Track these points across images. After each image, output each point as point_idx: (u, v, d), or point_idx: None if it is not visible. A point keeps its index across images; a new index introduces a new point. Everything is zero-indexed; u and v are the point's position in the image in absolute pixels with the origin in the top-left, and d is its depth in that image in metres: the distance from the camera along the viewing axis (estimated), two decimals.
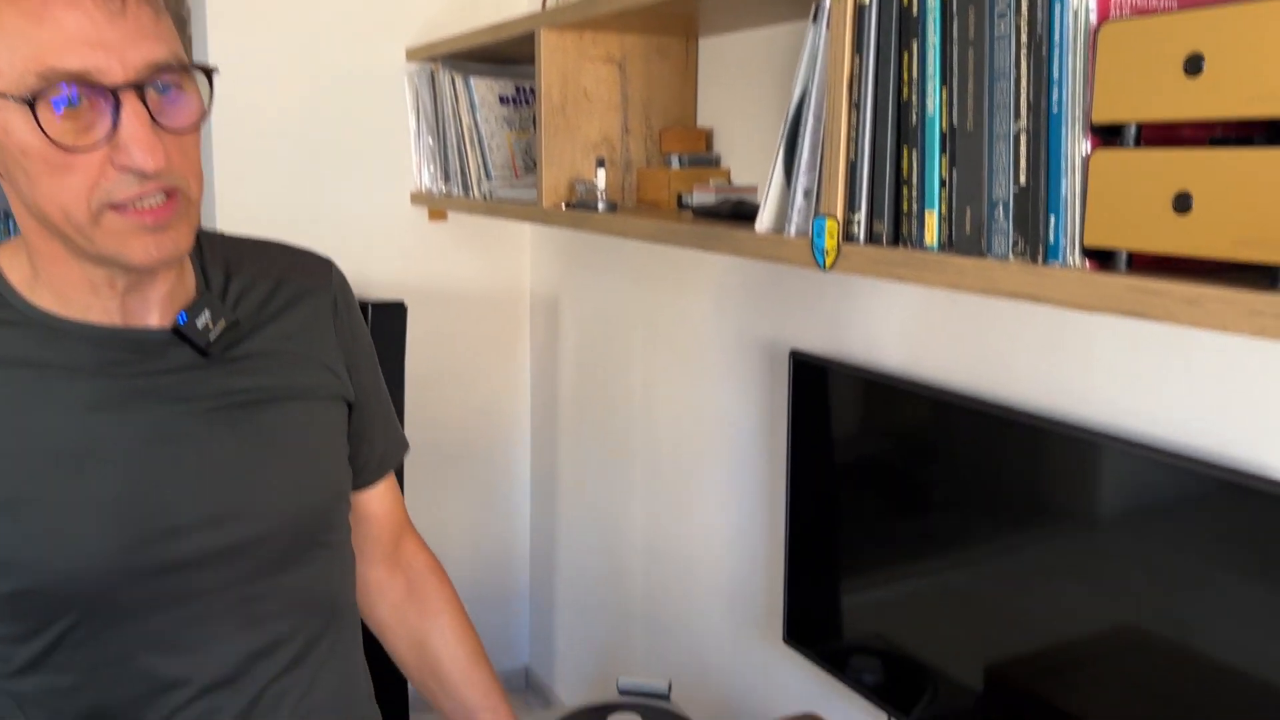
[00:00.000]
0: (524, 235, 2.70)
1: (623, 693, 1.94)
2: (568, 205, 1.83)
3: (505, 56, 2.20)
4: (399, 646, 1.01)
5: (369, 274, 2.55)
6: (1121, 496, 1.15)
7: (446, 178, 2.33)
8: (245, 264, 0.84)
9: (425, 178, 2.45)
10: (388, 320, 2.03)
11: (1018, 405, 1.35)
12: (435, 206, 2.37)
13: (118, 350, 0.76)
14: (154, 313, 0.78)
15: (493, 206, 2.04)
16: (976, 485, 1.34)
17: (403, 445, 1.00)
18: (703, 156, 1.90)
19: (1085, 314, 1.23)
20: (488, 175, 2.16)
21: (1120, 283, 0.86)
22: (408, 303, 2.14)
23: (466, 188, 2.22)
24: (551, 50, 1.82)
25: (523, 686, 2.91)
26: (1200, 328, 0.80)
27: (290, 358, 0.83)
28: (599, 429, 2.45)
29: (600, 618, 2.51)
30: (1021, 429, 1.26)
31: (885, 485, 1.50)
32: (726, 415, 1.96)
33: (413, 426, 2.61)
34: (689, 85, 1.96)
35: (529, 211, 1.89)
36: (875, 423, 1.51)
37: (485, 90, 2.21)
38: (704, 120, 1.97)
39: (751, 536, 1.91)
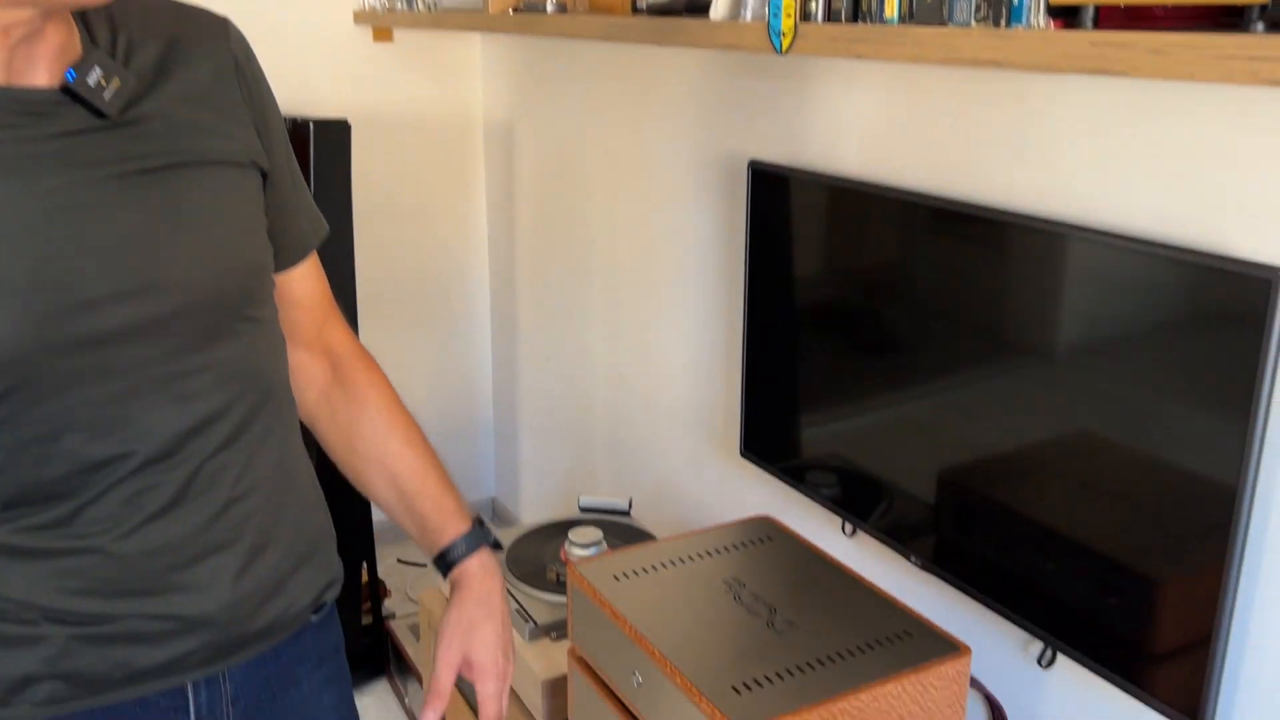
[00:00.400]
0: (474, 57, 2.58)
1: (584, 510, 1.97)
2: (515, 10, 1.74)
3: None
4: (331, 436, 0.98)
5: (311, 99, 2.44)
6: (1085, 291, 1.13)
7: None
8: (132, 20, 0.77)
9: None
10: (331, 139, 1.95)
11: (982, 203, 1.32)
12: (379, 24, 2.26)
13: (4, 113, 0.70)
14: (41, 71, 0.72)
15: (438, 17, 1.94)
16: (941, 290, 1.32)
17: (321, 226, 0.94)
18: None
19: (1049, 77, 1.19)
20: None
21: (1085, 39, 0.82)
22: (355, 131, 2.05)
23: (410, 2, 2.10)
24: None
25: (490, 518, 2.96)
26: (1166, 78, 0.77)
27: (195, 121, 0.77)
28: (558, 256, 2.41)
29: (564, 445, 2.52)
30: (986, 226, 1.23)
31: (846, 297, 1.48)
32: (686, 233, 1.92)
33: (365, 261, 2.55)
34: None
35: (475, 19, 1.79)
36: (835, 231, 1.48)
37: None
38: None
39: (710, 353, 1.90)
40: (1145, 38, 0.77)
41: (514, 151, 2.51)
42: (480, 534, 0.98)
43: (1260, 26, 0.72)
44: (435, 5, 2.00)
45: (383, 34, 2.44)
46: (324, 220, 0.95)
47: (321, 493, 0.94)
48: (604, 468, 2.35)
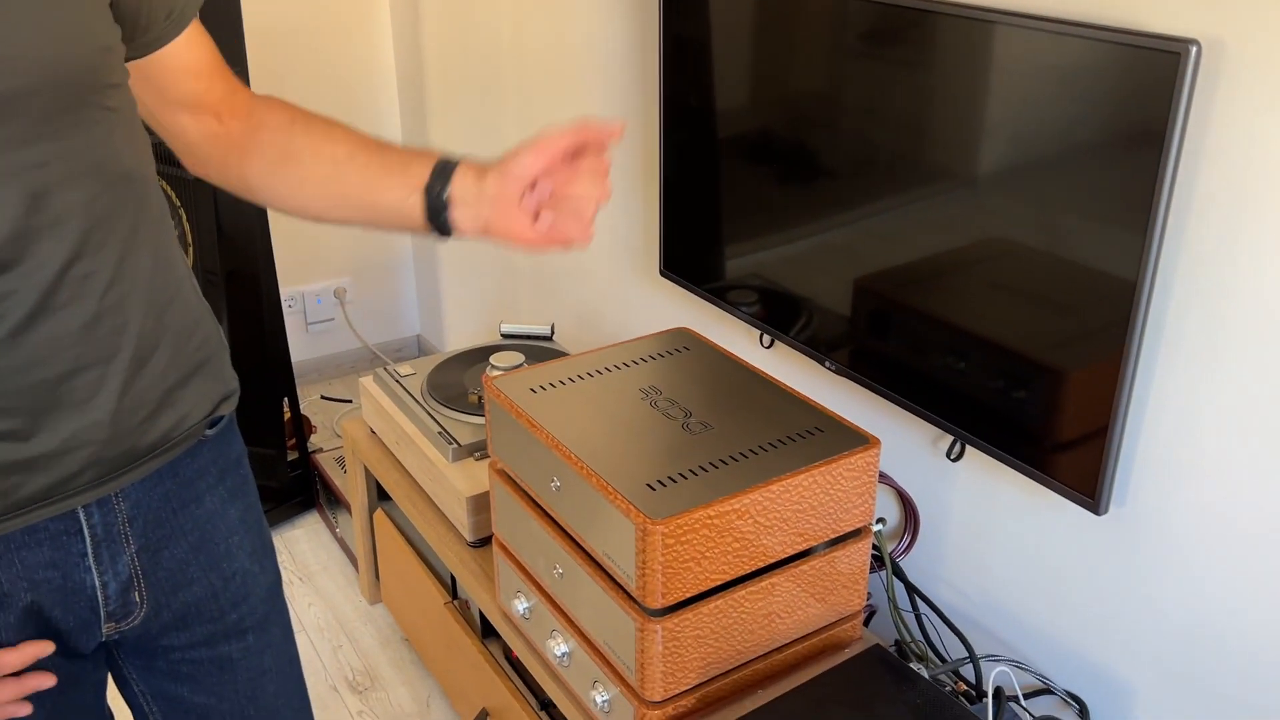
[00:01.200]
0: None
1: (506, 338, 1.95)
2: None
3: None
4: (257, 165, 0.89)
5: None
6: (1002, 87, 1.11)
7: None
8: None
9: None
10: None
11: None
12: None
13: None
14: None
15: None
16: (860, 105, 1.28)
17: None
18: None
19: None
20: None
21: None
22: None
23: None
24: None
25: (415, 354, 2.93)
26: None
27: None
28: (469, 76, 2.30)
29: (486, 275, 2.48)
30: (905, 19, 1.19)
31: (764, 113, 1.44)
32: (599, 44, 1.84)
33: (271, 85, 2.42)
34: None
35: None
36: (752, 42, 1.42)
37: None
38: None
39: (629, 172, 1.85)
40: None
41: (420, 13, 2.37)
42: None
43: None
44: None
45: None
46: None
47: (207, 304, 0.90)
48: (527, 295, 2.32)
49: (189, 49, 0.86)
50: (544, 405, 1.24)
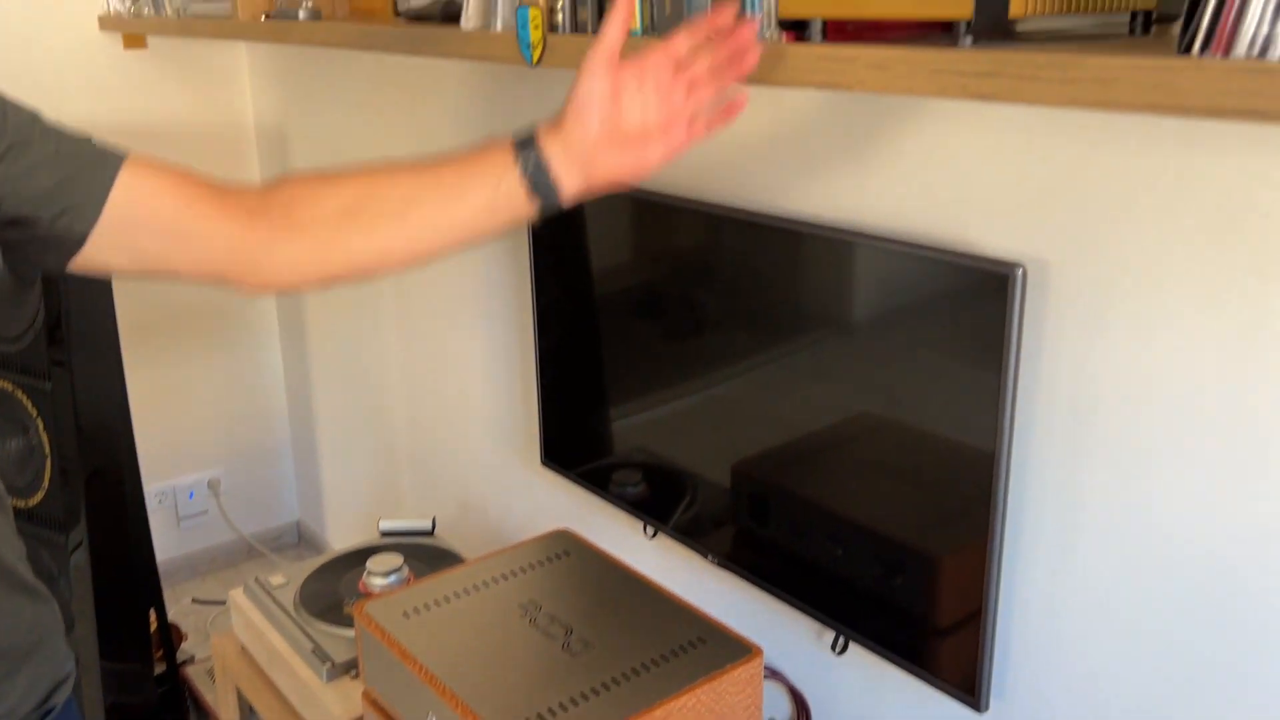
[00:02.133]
0: (240, 61, 2.44)
1: (385, 535, 1.90)
2: (267, 16, 1.64)
3: None
4: (345, 240, 0.80)
5: (58, 113, 2.25)
6: (858, 286, 1.16)
7: None
8: None
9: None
10: None
11: (747, 205, 1.33)
12: (125, 30, 2.09)
13: None
14: None
15: (185, 24, 1.81)
16: (723, 293, 1.32)
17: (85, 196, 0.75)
18: None
19: (781, 89, 1.21)
20: None
21: (814, 53, 0.82)
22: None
23: (158, 6, 1.96)
24: None
25: (295, 541, 2.83)
26: (889, 93, 0.78)
27: None
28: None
29: (366, 461, 2.43)
30: (761, 231, 1.24)
31: (629, 300, 1.47)
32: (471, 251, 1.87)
33: (141, 286, 2.38)
34: None
35: (224, 27, 1.68)
36: (616, 236, 1.46)
37: None
38: None
39: (506, 362, 1.86)
40: (867, 52, 0.78)
41: (290, 158, 2.39)
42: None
43: (968, 41, 0.74)
44: (184, 10, 1.87)
45: (134, 40, 2.27)
46: (113, 155, 0.79)
47: (39, 582, 0.85)
48: (408, 482, 2.28)
49: (141, 201, 0.78)
50: (418, 631, 1.20)
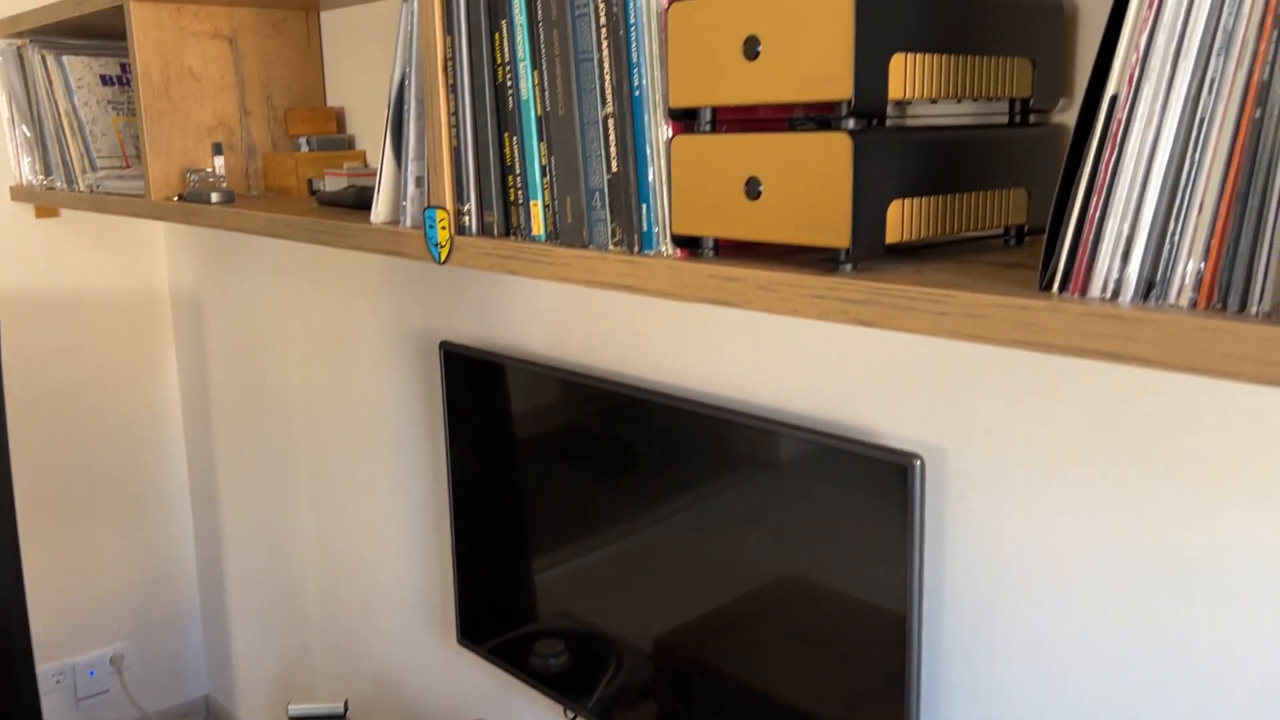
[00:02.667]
0: (156, 229, 2.44)
1: None
2: (180, 197, 1.65)
3: (103, 30, 1.96)
4: None
5: None
6: (751, 464, 1.17)
7: (48, 170, 2.05)
8: None
9: (25, 170, 2.15)
10: None
11: (655, 386, 1.35)
12: (37, 203, 2.09)
13: None
14: None
15: (98, 200, 1.81)
16: (630, 465, 1.33)
17: None
18: (334, 138, 1.78)
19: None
20: (92, 166, 1.92)
21: (705, 271, 0.85)
22: (19, 313, 1.87)
23: (70, 180, 1.96)
24: (146, 27, 1.62)
25: (204, 717, 2.69)
26: (776, 313, 0.80)
27: None
28: (258, 434, 2.27)
29: (279, 634, 2.34)
30: (659, 409, 1.26)
31: (543, 472, 1.47)
32: (387, 411, 1.86)
33: (48, 449, 2.31)
34: (313, 61, 1.82)
35: (136, 206, 1.69)
36: (530, 410, 1.47)
37: (83, 70, 1.95)
38: (334, 99, 1.84)
39: (421, 535, 1.83)
40: (755, 274, 0.81)
41: (204, 328, 2.37)
42: None
43: (849, 268, 0.78)
44: (97, 187, 1.87)
45: (46, 210, 2.26)
46: None
47: None
48: (321, 656, 2.19)
49: None
50: None
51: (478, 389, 1.54)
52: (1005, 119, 0.90)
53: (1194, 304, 0.61)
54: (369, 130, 1.78)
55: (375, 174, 1.60)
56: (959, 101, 0.87)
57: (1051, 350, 0.64)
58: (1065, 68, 0.92)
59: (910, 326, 0.71)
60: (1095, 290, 0.65)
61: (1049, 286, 0.67)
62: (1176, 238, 0.61)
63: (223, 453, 2.41)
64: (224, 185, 1.60)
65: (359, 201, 1.42)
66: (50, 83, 1.95)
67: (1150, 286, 0.62)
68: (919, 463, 1.01)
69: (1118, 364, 0.72)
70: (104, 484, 2.47)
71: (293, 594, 2.26)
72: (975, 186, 0.84)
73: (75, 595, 2.45)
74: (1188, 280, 0.61)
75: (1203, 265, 0.60)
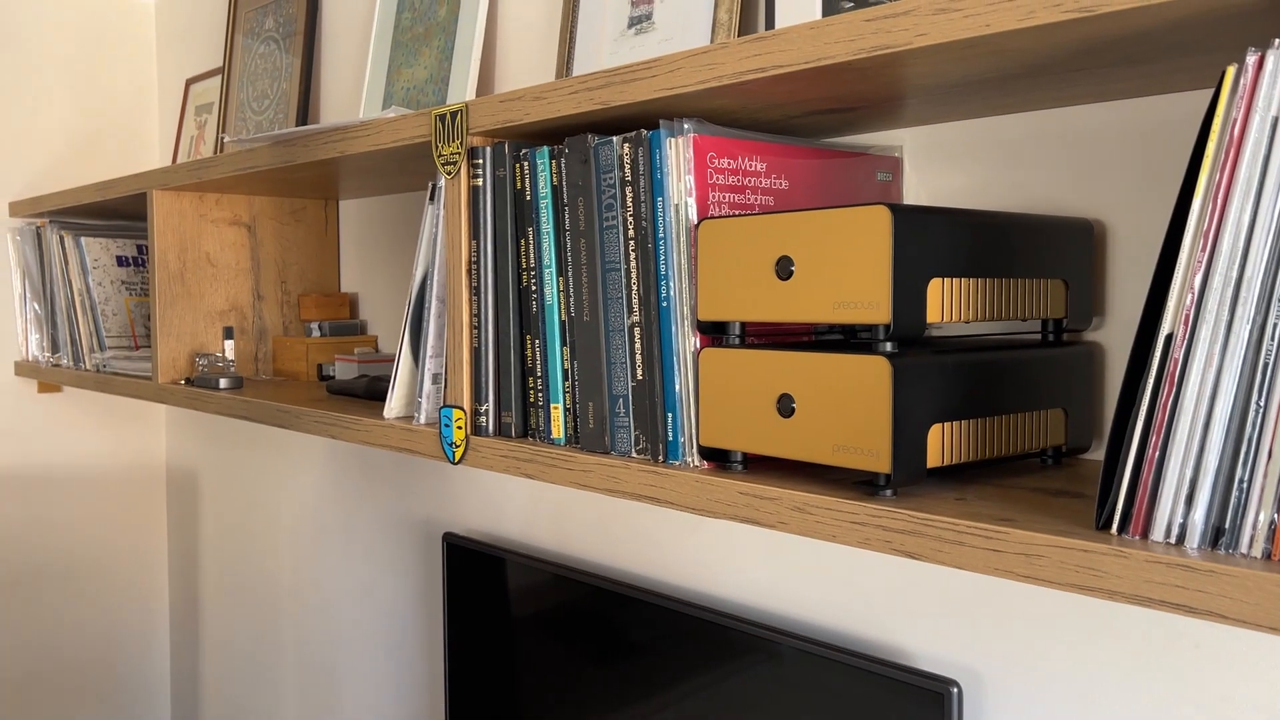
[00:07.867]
0: (158, 405, 2.42)
1: None
2: (188, 381, 1.63)
3: (123, 213, 1.99)
4: None
5: None
6: (772, 683, 1.11)
7: (55, 347, 2.05)
8: None
9: (32, 345, 2.15)
10: None
11: (669, 590, 1.30)
12: (41, 379, 2.07)
13: None
14: None
15: (103, 381, 1.79)
16: (636, 673, 1.26)
17: None
18: (346, 324, 1.78)
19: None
20: (101, 345, 1.91)
21: (734, 487, 0.82)
22: (9, 488, 1.82)
23: (78, 358, 1.95)
24: (166, 214, 1.64)
25: None
26: (813, 537, 0.77)
27: None
28: (246, 620, 2.18)
29: None
30: (670, 615, 1.20)
31: (548, 677, 1.39)
32: (382, 601, 1.79)
33: (26, 633, 2.21)
34: (329, 248, 1.84)
35: (142, 388, 1.67)
36: (537, 609, 1.41)
37: (100, 251, 1.98)
38: (349, 285, 1.85)
39: None
40: (789, 494, 0.78)
41: (199, 503, 2.32)
42: None
43: (889, 494, 0.75)
44: (104, 367, 1.86)
45: (49, 385, 2.25)
46: None
47: None
48: None
49: None
50: None
51: (481, 585, 1.48)
52: (1039, 337, 0.89)
53: (1268, 554, 0.57)
54: (381, 316, 1.79)
55: (385, 360, 1.59)
56: (993, 322, 0.87)
57: (1114, 598, 0.60)
58: (1097, 287, 0.92)
59: (960, 563, 0.67)
60: (1158, 533, 0.61)
61: (1107, 525, 0.64)
62: (1245, 485, 0.58)
63: (208, 639, 2.32)
64: (232, 370, 1.59)
65: (370, 392, 1.40)
66: (66, 262, 1.97)
67: (1219, 534, 0.59)
68: (956, 690, 0.95)
69: (1189, 617, 0.68)
70: (82, 672, 2.36)
71: None
72: (1014, 408, 0.82)
73: None
74: (1260, 530, 0.57)
75: (1275, 516, 0.57)
